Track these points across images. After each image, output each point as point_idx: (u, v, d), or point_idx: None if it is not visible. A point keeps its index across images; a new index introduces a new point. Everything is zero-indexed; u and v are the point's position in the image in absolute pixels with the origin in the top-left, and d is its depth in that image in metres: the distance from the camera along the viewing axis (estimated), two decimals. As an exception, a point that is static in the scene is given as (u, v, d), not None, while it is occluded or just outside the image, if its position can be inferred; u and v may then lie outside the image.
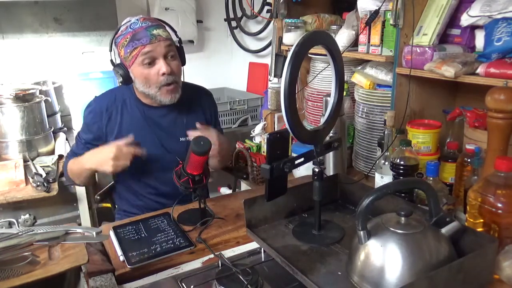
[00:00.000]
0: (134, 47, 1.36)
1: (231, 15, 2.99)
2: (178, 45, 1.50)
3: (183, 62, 1.51)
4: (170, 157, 1.45)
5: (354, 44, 1.67)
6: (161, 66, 1.39)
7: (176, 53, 1.46)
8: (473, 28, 1.39)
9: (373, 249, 0.86)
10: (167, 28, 1.46)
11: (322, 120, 1.12)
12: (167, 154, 1.49)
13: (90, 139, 1.51)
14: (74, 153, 1.53)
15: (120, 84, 1.45)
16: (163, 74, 1.39)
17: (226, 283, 0.95)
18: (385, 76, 1.61)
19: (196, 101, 1.61)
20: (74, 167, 1.50)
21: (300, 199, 1.21)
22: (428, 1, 1.46)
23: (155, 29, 1.38)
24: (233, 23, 3.02)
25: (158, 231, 1.24)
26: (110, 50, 1.44)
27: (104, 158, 1.34)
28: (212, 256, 1.11)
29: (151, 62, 1.39)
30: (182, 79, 1.50)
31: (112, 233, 1.23)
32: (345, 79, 1.52)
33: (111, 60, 1.44)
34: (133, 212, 1.54)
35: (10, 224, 1.02)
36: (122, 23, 1.43)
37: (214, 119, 1.67)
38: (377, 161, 1.39)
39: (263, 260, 1.09)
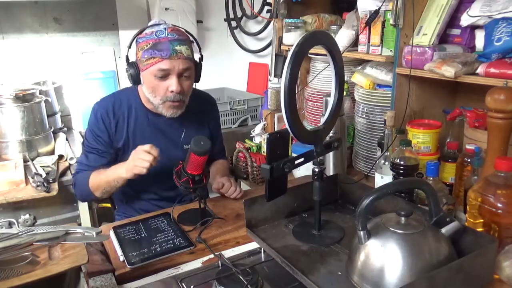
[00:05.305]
0: (152, 56, 1.34)
1: (231, 15, 2.99)
2: (198, 61, 1.46)
3: (197, 79, 1.48)
4: (171, 164, 1.45)
5: (354, 44, 1.67)
6: (172, 83, 1.37)
7: (193, 72, 1.43)
8: (473, 28, 1.39)
9: (373, 249, 0.86)
10: (194, 44, 1.44)
11: (322, 120, 1.12)
12: (169, 161, 1.49)
13: (104, 148, 1.48)
14: (88, 166, 1.48)
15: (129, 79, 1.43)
16: (172, 91, 1.38)
17: (226, 283, 0.95)
18: (385, 76, 1.61)
19: (201, 111, 1.61)
20: (101, 179, 1.43)
21: (300, 199, 1.21)
22: (428, 1, 1.46)
23: (179, 45, 1.35)
24: (233, 23, 3.01)
25: (158, 231, 1.24)
26: (129, 47, 1.41)
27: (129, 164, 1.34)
28: (212, 256, 1.11)
29: (164, 76, 1.37)
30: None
31: (112, 233, 1.23)
32: (345, 79, 1.52)
33: (127, 56, 1.42)
34: (133, 215, 1.53)
35: (10, 224, 1.02)
36: (149, 24, 1.40)
37: (217, 128, 1.69)
38: (377, 161, 1.39)
39: (263, 260, 1.09)
